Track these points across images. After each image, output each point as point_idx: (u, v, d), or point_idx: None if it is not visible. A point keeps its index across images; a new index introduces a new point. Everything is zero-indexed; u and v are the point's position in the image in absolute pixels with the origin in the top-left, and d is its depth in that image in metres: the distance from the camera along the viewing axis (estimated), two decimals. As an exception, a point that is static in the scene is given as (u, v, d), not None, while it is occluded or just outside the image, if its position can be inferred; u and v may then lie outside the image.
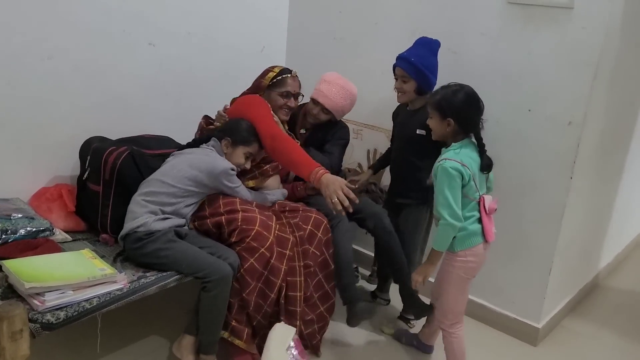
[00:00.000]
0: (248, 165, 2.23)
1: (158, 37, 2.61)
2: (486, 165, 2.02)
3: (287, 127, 2.50)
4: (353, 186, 2.09)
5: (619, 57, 2.33)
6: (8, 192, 2.19)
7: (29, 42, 2.19)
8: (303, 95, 2.47)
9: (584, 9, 2.16)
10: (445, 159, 1.96)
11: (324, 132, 2.60)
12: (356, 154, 3.02)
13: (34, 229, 1.96)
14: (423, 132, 2.27)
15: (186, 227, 2.10)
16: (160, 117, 2.66)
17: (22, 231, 1.93)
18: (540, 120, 2.35)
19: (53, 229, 2.03)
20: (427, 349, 2.41)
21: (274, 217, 2.19)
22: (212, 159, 2.13)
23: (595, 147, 2.46)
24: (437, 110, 2.02)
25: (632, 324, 2.84)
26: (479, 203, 2.00)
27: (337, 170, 2.55)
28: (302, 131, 2.65)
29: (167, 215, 2.03)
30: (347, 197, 1.98)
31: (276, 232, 2.13)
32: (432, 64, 2.31)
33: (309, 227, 2.24)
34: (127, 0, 2.45)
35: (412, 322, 2.60)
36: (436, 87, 2.19)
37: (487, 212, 2.01)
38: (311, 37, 3.13)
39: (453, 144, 2.02)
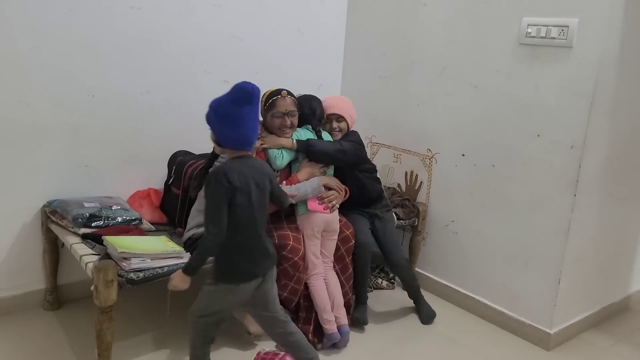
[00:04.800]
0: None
1: (231, 76, 3.19)
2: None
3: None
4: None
5: (618, 91, 2.62)
6: (112, 192, 2.86)
7: (132, 79, 2.87)
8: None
9: (580, 48, 2.51)
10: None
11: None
12: (396, 176, 3.46)
13: (127, 218, 2.56)
14: None
15: None
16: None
17: (119, 219, 2.54)
18: (547, 144, 2.67)
19: (142, 220, 2.64)
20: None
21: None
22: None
23: (602, 169, 2.72)
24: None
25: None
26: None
27: (358, 155, 2.82)
28: None
29: None
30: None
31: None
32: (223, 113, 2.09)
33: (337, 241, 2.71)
34: (208, 47, 3.11)
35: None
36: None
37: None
38: (361, 76, 3.65)
39: (297, 128, 2.70)
